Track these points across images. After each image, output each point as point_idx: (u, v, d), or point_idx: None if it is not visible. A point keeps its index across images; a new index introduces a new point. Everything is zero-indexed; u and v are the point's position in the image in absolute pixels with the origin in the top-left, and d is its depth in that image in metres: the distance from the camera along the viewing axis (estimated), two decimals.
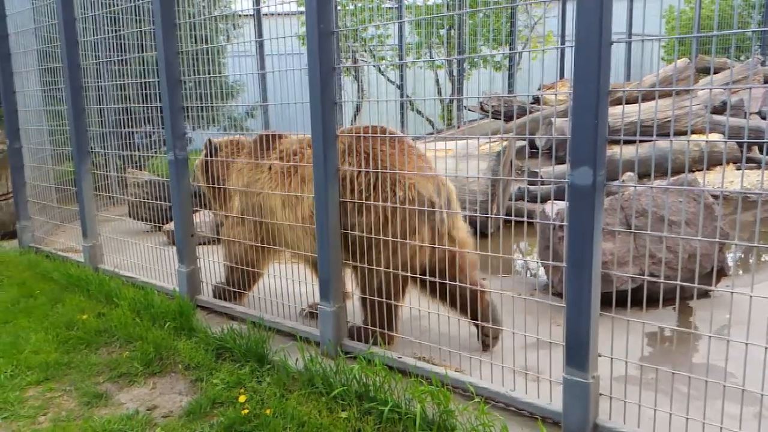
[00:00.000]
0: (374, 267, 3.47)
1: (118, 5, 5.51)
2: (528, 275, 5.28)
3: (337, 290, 3.57)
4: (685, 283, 2.63)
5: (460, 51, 10.24)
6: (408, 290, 3.63)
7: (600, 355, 2.65)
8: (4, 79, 6.43)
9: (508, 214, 6.43)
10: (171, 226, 5.94)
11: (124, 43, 5.68)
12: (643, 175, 7.26)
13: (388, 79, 9.86)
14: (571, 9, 11.16)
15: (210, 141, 4.53)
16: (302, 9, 3.43)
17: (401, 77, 9.73)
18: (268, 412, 3.06)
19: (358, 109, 7.82)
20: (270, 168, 4.08)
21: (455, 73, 11.04)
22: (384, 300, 3.50)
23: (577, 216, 2.50)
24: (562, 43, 11.06)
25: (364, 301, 3.62)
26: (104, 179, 6.27)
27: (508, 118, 9.25)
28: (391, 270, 3.42)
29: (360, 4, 10.06)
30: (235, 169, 4.38)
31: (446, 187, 3.55)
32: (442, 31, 11.27)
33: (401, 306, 3.63)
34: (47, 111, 6.39)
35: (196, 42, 5.00)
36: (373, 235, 3.44)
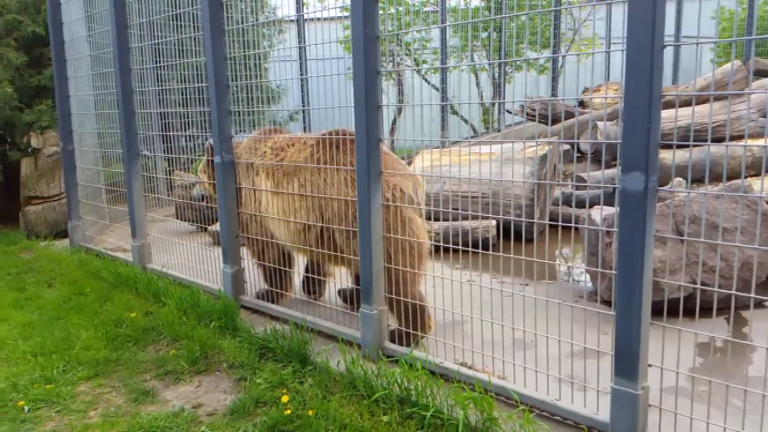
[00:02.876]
0: (398, 267, 3.62)
1: (166, 12, 5.65)
2: (572, 282, 5.18)
3: (378, 294, 3.57)
4: (739, 293, 2.54)
5: (501, 54, 10.15)
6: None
7: (649, 365, 2.58)
8: (59, 84, 6.67)
9: (554, 219, 6.34)
10: (216, 227, 6.05)
11: (169, 49, 5.81)
12: (693, 181, 7.04)
13: (433, 86, 9.84)
14: (617, 11, 10.93)
15: (211, 145, 4.74)
16: (346, 14, 3.46)
17: (443, 81, 9.69)
18: (310, 413, 3.08)
19: (399, 111, 7.83)
20: (264, 154, 4.35)
21: (497, 76, 10.94)
22: (401, 298, 3.62)
23: (627, 222, 2.45)
24: (608, 45, 10.83)
25: (391, 300, 3.67)
26: (152, 181, 6.43)
27: (553, 122, 9.11)
28: (407, 269, 3.60)
29: (401, 8, 10.07)
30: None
31: (421, 185, 3.92)
32: (484, 35, 11.19)
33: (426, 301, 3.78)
34: (98, 114, 6.59)
35: (241, 48, 5.09)
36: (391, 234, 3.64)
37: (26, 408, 3.43)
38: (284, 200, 4.18)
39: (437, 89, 9.97)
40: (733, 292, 2.43)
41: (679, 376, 2.67)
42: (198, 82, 5.56)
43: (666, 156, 6.63)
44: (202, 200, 5.32)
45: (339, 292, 4.50)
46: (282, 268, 4.43)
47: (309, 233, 4.07)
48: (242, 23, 5.32)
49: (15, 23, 7.82)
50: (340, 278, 4.40)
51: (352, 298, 4.37)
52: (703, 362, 3.53)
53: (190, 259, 5.32)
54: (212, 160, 4.75)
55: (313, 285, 4.62)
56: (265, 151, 4.37)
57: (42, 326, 4.59)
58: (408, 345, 3.60)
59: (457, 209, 5.62)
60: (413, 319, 3.63)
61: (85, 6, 6.27)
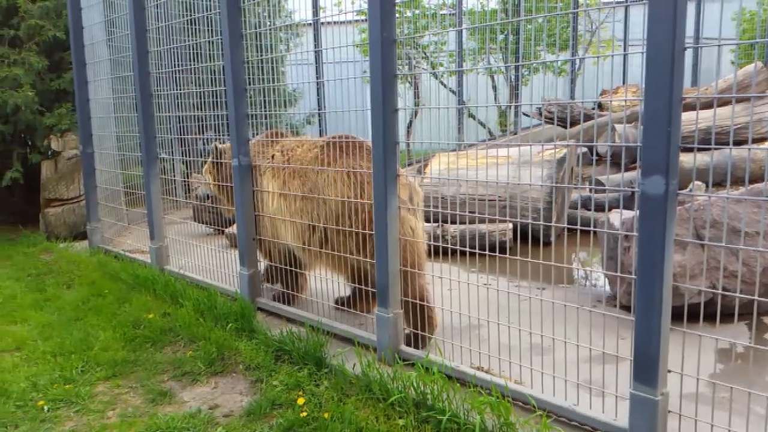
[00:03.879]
0: (414, 269, 3.67)
1: (184, 17, 5.71)
2: (590, 286, 5.14)
3: (394, 297, 3.57)
4: (761, 298, 2.49)
5: (518, 57, 10.11)
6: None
7: (669, 371, 2.55)
8: (79, 88, 6.75)
9: (571, 222, 6.29)
10: (232, 229, 6.09)
11: (187, 53, 5.87)
12: (713, 184, 6.95)
13: (450, 90, 9.82)
14: (635, 14, 10.84)
15: (216, 146, 4.84)
16: (363, 17, 3.47)
17: (459, 83, 9.67)
18: (326, 415, 3.08)
19: (415, 114, 7.82)
20: (272, 157, 4.43)
21: (513, 78, 10.89)
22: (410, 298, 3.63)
23: (648, 226, 2.42)
24: (626, 48, 10.75)
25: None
26: (170, 183, 6.49)
27: (571, 124, 9.05)
28: (411, 270, 3.66)
29: (417, 11, 10.08)
30: None
31: (417, 192, 3.99)
32: (500, 37, 11.15)
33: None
34: (117, 117, 6.66)
35: (258, 51, 5.13)
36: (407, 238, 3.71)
37: (46, 408, 3.47)
38: (290, 201, 4.23)
39: (453, 92, 9.96)
40: (755, 297, 2.39)
41: (699, 383, 2.63)
42: (215, 86, 5.60)
43: (686, 159, 6.55)
44: (207, 200, 5.40)
45: (337, 300, 4.44)
46: (293, 269, 4.44)
47: (313, 234, 4.10)
48: (259, 27, 5.36)
49: (37, 28, 7.93)
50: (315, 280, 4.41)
51: (346, 303, 4.36)
52: (724, 368, 3.48)
53: (207, 261, 5.35)
54: (217, 162, 4.86)
55: (294, 279, 4.54)
56: (274, 155, 4.42)
57: (61, 327, 4.65)
58: (424, 346, 3.59)
59: (474, 212, 5.60)
60: (413, 313, 3.64)
61: (105, 10, 6.35)
